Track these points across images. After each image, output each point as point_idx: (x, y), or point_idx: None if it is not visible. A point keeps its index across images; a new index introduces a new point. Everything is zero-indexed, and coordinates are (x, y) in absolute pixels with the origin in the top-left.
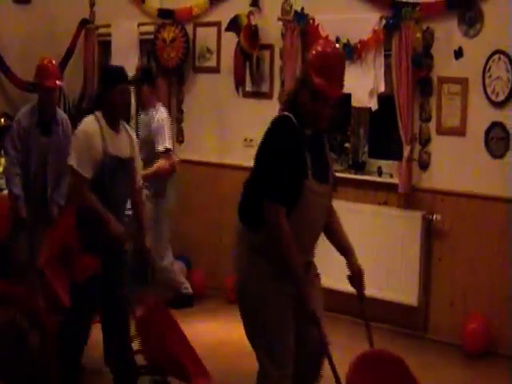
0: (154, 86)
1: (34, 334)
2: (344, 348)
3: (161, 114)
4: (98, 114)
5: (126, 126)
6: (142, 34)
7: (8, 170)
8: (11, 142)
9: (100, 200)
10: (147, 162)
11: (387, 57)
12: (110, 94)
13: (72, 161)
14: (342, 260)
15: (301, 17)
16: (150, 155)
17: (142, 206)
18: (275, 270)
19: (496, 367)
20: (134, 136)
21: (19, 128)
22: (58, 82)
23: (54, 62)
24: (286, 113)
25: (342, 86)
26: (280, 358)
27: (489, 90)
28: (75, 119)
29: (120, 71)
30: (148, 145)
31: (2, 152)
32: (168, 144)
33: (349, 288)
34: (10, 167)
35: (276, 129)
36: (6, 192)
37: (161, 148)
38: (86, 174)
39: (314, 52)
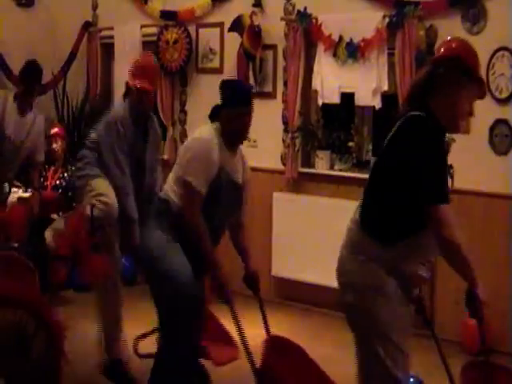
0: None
1: (40, 336)
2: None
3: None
4: (217, 128)
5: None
6: (144, 35)
7: (122, 188)
8: (113, 156)
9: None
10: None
11: (390, 55)
12: (237, 116)
13: (190, 176)
14: None
15: (304, 16)
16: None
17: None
18: (403, 292)
19: None
20: (247, 161)
21: (122, 137)
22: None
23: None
24: (420, 113)
25: None
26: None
27: (493, 87)
28: (79, 122)
29: (250, 91)
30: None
31: (97, 169)
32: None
33: None
34: (124, 183)
35: (428, 130)
36: (98, 209)
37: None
38: (202, 189)
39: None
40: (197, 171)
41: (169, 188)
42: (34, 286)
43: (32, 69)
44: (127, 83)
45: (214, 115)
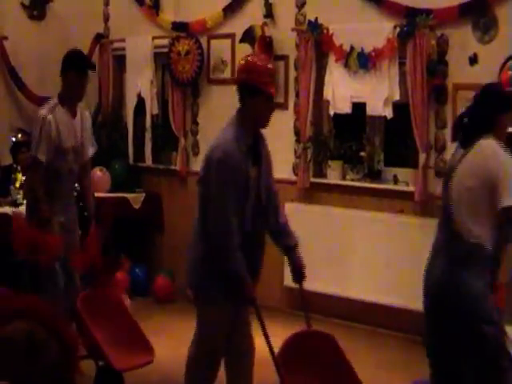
0: None
1: (52, 345)
2: (362, 357)
3: None
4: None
5: None
6: (156, 47)
7: (228, 246)
8: (224, 198)
9: None
10: None
11: (402, 65)
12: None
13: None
14: (358, 271)
15: (315, 27)
16: None
17: None
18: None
19: None
20: None
21: (232, 167)
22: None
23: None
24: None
25: None
26: None
27: None
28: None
29: None
30: None
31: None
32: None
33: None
34: (230, 239)
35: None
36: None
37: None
38: None
39: None
40: None
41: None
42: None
43: (80, 58)
44: (250, 92)
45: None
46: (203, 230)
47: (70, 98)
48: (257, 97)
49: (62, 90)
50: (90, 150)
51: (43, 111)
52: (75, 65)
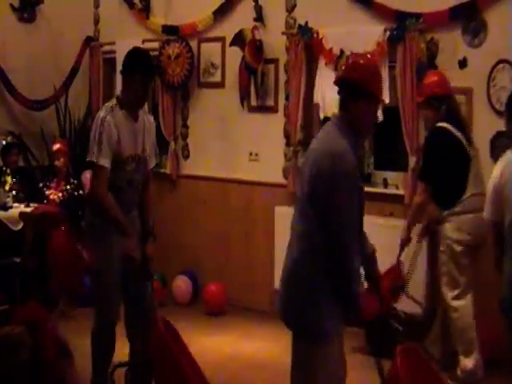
0: None
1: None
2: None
3: None
4: None
5: None
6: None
7: (352, 263)
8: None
9: None
10: None
11: (392, 68)
12: None
13: None
14: None
15: (305, 30)
16: None
17: None
18: None
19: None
20: None
21: (356, 179)
22: None
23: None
24: None
25: None
26: None
27: (493, 100)
28: (81, 137)
29: None
30: None
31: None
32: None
33: None
34: (354, 254)
35: None
36: None
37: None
38: None
39: None
40: None
41: None
42: None
43: (147, 59)
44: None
45: None
46: (314, 251)
47: (131, 103)
48: (367, 100)
49: (122, 93)
50: (153, 161)
51: (102, 113)
52: (142, 67)
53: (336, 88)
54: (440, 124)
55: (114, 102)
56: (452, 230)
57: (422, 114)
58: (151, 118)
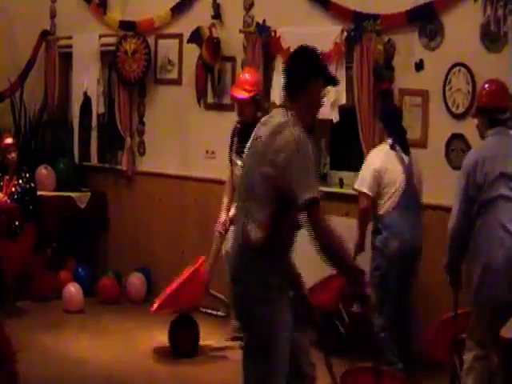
0: None
1: None
2: None
3: None
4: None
5: None
6: (103, 45)
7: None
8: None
9: None
10: None
11: (349, 69)
12: None
13: None
14: (303, 272)
15: (262, 29)
16: None
17: None
18: None
19: None
20: None
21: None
22: None
23: None
24: None
25: None
26: None
27: (449, 102)
28: (36, 131)
29: None
30: None
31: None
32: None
33: None
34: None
35: None
36: None
37: None
38: None
39: None
40: None
41: None
42: None
43: (324, 62)
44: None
45: None
46: None
47: (308, 113)
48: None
49: (299, 103)
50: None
51: (296, 131)
52: (324, 72)
53: None
54: None
55: (289, 115)
56: None
57: None
58: None
